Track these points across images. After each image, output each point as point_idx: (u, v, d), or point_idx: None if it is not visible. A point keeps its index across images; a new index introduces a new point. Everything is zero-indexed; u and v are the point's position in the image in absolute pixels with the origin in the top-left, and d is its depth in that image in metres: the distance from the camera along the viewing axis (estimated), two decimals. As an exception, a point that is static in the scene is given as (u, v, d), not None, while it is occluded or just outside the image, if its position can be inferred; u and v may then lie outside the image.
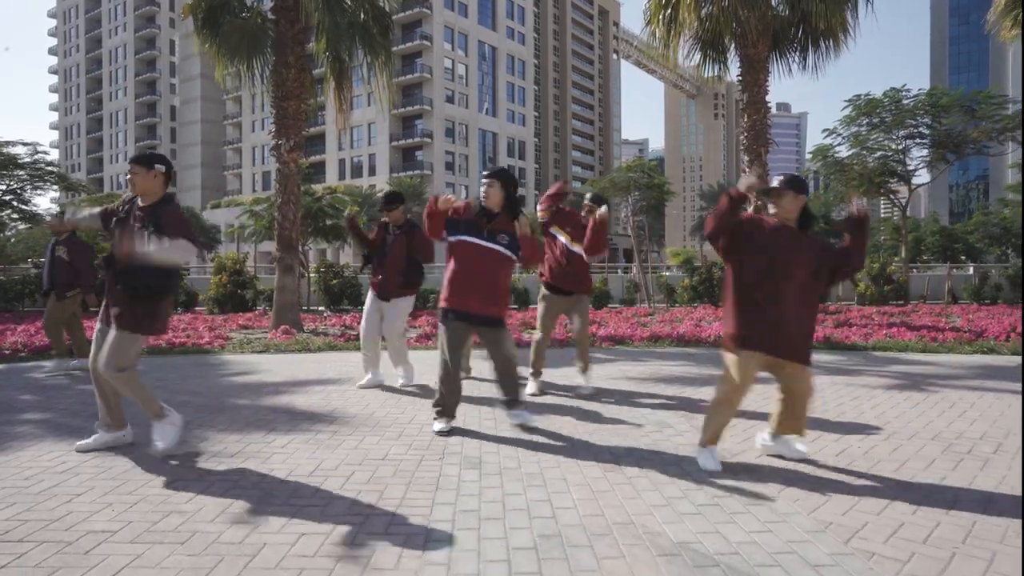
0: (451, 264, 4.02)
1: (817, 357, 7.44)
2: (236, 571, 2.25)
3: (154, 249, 3.30)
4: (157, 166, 3.54)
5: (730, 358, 3.27)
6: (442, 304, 4.03)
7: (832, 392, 5.33)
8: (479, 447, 3.75)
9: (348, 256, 43.83)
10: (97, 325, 3.64)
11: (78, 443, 3.68)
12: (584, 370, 5.30)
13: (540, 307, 5.23)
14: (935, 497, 2.96)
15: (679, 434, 4.03)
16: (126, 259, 3.34)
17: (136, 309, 3.44)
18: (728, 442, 3.75)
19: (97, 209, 3.82)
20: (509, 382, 4.13)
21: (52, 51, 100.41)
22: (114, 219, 3.60)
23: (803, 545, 2.46)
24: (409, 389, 5.42)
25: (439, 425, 4.05)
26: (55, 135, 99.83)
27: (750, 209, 3.14)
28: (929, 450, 3.68)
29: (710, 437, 3.39)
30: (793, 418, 3.37)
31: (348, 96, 11.08)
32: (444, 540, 2.50)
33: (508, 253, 4.02)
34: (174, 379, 6.05)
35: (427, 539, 2.51)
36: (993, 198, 53.85)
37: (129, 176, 3.52)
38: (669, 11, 10.75)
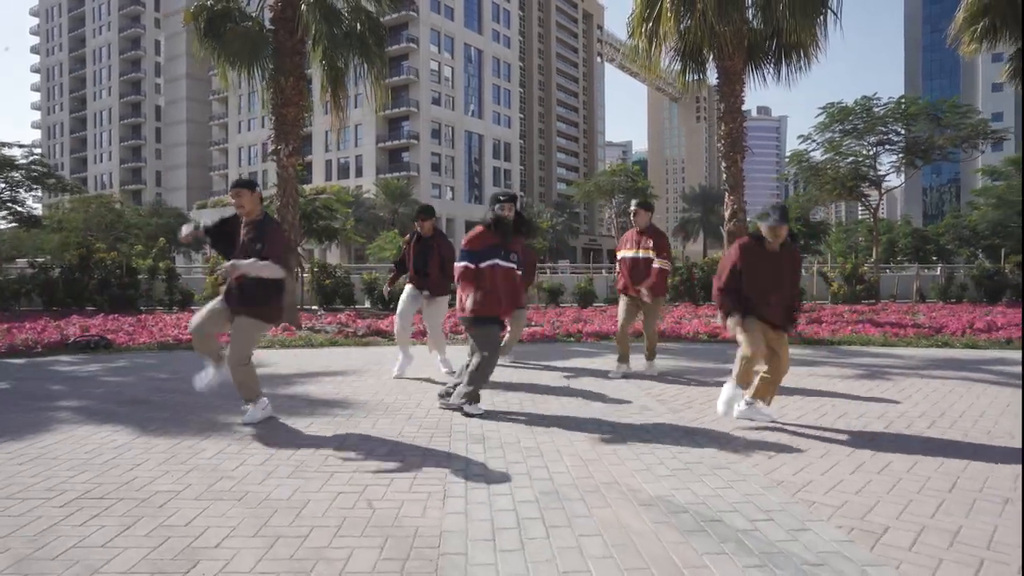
0: (483, 282, 4.48)
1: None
2: (290, 520, 2.71)
3: (247, 266, 3.98)
4: (257, 188, 4.24)
5: None
6: (480, 313, 4.46)
7: (795, 380, 5.88)
8: (481, 426, 4.23)
9: (336, 257, 44.04)
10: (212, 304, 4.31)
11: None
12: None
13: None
14: (871, 461, 3.49)
15: (658, 416, 4.55)
16: (237, 280, 4.10)
17: (252, 309, 4.16)
18: (704, 420, 4.27)
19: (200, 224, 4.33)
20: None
21: (34, 49, 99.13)
22: (219, 234, 4.29)
23: (758, 497, 2.98)
24: (413, 377, 5.89)
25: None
26: (37, 134, 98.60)
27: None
28: (874, 426, 4.24)
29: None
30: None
31: (344, 102, 11.50)
32: (460, 496, 2.98)
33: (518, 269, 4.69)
34: (189, 372, 6.45)
35: (445, 495, 2.99)
36: (964, 201, 55.40)
37: (235, 201, 4.11)
38: (651, 24, 11.30)
